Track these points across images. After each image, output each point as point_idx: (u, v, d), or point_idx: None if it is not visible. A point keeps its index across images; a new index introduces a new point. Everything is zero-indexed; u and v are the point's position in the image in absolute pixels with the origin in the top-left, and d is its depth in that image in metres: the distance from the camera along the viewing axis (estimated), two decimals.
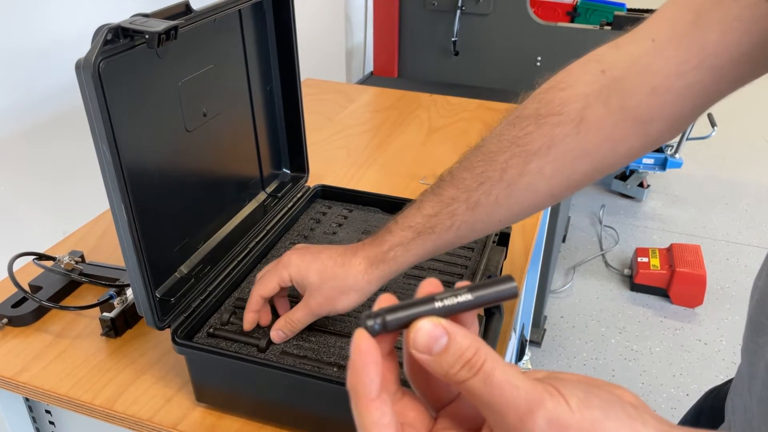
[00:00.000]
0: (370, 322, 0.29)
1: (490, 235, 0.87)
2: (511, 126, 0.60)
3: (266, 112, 0.93)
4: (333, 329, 0.73)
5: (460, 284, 0.31)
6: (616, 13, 2.20)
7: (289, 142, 0.98)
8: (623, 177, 3.07)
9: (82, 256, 0.94)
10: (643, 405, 0.29)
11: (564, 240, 2.74)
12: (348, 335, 0.73)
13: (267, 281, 0.69)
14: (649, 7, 2.21)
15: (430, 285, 0.32)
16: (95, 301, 0.85)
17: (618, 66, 0.56)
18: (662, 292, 2.42)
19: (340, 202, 0.99)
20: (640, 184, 3.04)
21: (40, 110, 1.15)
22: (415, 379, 0.33)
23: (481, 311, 0.74)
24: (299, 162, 0.99)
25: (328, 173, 1.25)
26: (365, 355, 0.29)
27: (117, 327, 0.83)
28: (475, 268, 0.83)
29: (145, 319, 0.69)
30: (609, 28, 2.16)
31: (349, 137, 1.44)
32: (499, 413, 0.28)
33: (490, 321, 0.73)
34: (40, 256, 0.92)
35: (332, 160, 1.32)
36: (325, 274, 0.66)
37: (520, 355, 1.66)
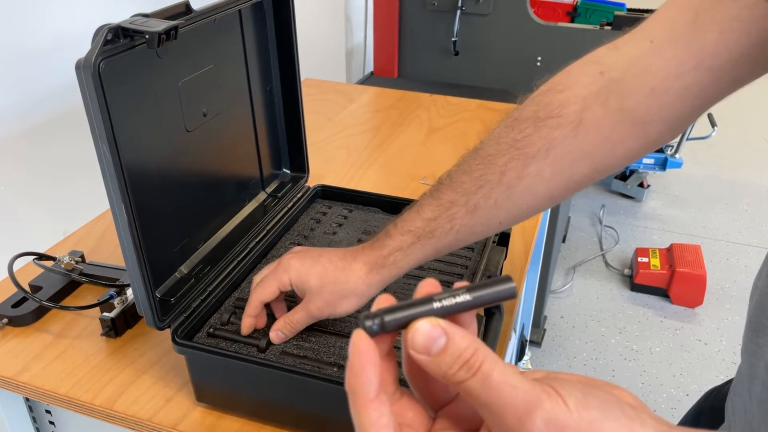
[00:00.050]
0: (368, 323, 0.29)
1: (490, 236, 0.87)
2: (510, 129, 0.60)
3: (266, 112, 0.93)
4: (333, 329, 0.73)
5: (458, 284, 0.31)
6: (616, 13, 2.20)
7: (289, 142, 0.98)
8: (623, 177, 3.07)
9: (82, 256, 0.94)
10: (641, 405, 0.29)
11: (564, 240, 2.74)
12: (348, 335, 0.73)
13: (267, 286, 0.69)
14: (649, 7, 2.20)
15: (428, 285, 0.32)
16: (95, 301, 0.85)
17: (616, 67, 0.56)
18: (662, 292, 2.42)
19: (340, 202, 0.99)
20: (640, 184, 3.04)
21: (40, 110, 1.15)
22: (413, 380, 0.33)
23: (481, 311, 0.74)
24: (299, 162, 0.99)
25: (328, 173, 1.25)
26: (363, 355, 0.29)
27: (117, 327, 0.83)
28: (475, 269, 0.83)
29: (145, 319, 0.69)
30: (609, 28, 2.16)
31: (349, 137, 1.44)
32: (497, 414, 0.28)
33: (490, 321, 0.73)
34: (40, 256, 0.92)
35: (332, 160, 1.32)
36: (325, 278, 0.66)
37: (520, 355, 1.66)
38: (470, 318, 0.32)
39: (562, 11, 2.67)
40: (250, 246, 0.85)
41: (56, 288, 0.89)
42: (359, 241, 0.89)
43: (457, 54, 2.30)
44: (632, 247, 2.67)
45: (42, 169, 1.18)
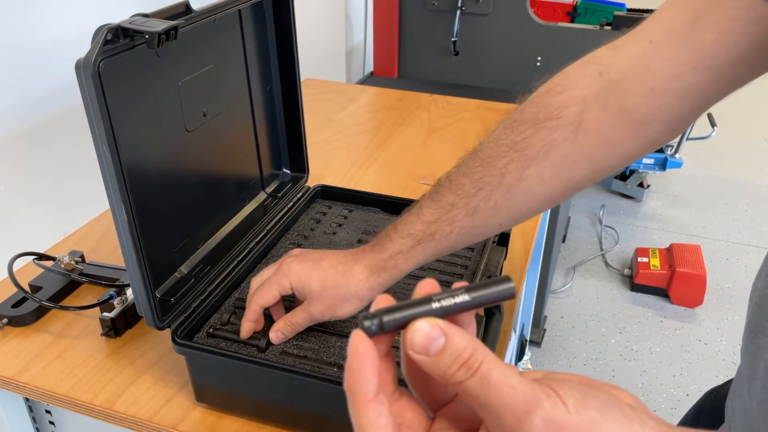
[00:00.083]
0: (367, 323, 0.29)
1: (489, 237, 0.87)
2: (509, 130, 0.60)
3: (266, 112, 0.93)
4: (333, 329, 0.73)
5: (457, 285, 0.31)
6: (616, 13, 2.20)
7: (289, 142, 0.98)
8: (623, 177, 3.07)
9: (82, 256, 0.94)
10: (640, 406, 0.29)
11: (564, 240, 2.74)
12: (348, 335, 0.73)
13: (267, 291, 0.68)
14: (649, 7, 2.20)
15: (427, 285, 0.32)
16: (95, 301, 0.85)
17: (616, 68, 0.56)
18: (662, 292, 2.42)
19: (340, 202, 0.99)
20: (640, 184, 3.04)
21: (40, 110, 1.15)
22: (412, 380, 0.33)
23: (481, 311, 0.74)
24: (299, 162, 0.99)
25: (328, 173, 1.25)
26: (362, 355, 0.29)
27: (117, 327, 0.83)
28: (475, 269, 0.83)
29: (145, 319, 0.69)
30: (609, 28, 2.16)
31: (349, 137, 1.44)
32: (496, 414, 0.28)
33: (490, 321, 0.73)
34: (40, 256, 0.92)
35: (332, 160, 1.32)
36: (326, 282, 0.66)
37: (520, 355, 1.66)
38: (469, 318, 0.32)
39: (562, 11, 2.67)
40: (250, 246, 0.85)
41: (56, 288, 0.89)
42: (359, 241, 0.89)
43: (457, 54, 2.30)
44: (632, 247, 2.67)
45: (42, 169, 1.18)
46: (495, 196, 0.60)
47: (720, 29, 0.50)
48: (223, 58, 0.81)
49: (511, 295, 0.30)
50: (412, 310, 0.30)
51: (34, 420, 0.86)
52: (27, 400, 0.84)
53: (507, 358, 1.11)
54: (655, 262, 2.44)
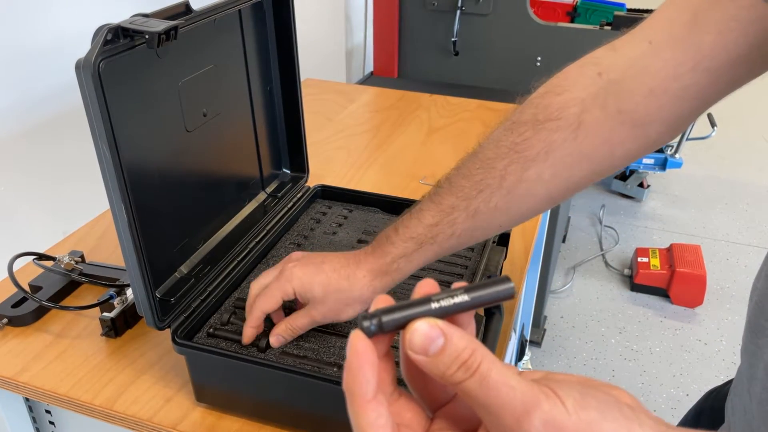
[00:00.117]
0: (366, 323, 0.29)
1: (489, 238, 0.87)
2: (509, 132, 0.60)
3: (266, 112, 0.93)
4: (333, 329, 0.73)
5: (456, 285, 0.31)
6: (616, 13, 2.20)
7: (289, 142, 0.98)
8: (623, 177, 3.07)
9: (82, 256, 0.94)
10: (639, 406, 0.29)
11: (564, 240, 2.74)
12: (348, 335, 0.73)
13: (270, 296, 0.68)
14: (649, 7, 2.20)
15: (426, 285, 0.32)
16: (95, 301, 0.85)
17: (615, 68, 0.56)
18: (662, 292, 2.42)
19: (340, 202, 0.99)
20: (640, 184, 3.04)
21: (40, 110, 1.15)
22: (411, 380, 0.33)
23: (482, 311, 0.74)
24: (299, 162, 0.99)
25: (328, 173, 1.25)
26: (361, 356, 0.29)
27: (117, 327, 0.83)
28: (475, 269, 0.83)
29: (145, 319, 0.69)
30: (609, 28, 2.16)
31: (349, 137, 1.44)
32: (495, 414, 0.28)
33: (490, 321, 0.73)
34: (40, 256, 0.92)
35: (332, 160, 1.32)
36: (329, 287, 0.66)
37: (520, 355, 1.66)
38: (468, 318, 0.32)
39: (562, 11, 2.67)
40: (250, 246, 0.85)
41: (56, 288, 0.89)
42: (359, 241, 0.89)
43: (457, 54, 2.30)
44: (632, 247, 2.67)
45: (42, 169, 1.18)
46: (495, 198, 0.60)
47: (719, 30, 0.50)
48: (223, 58, 0.81)
49: (510, 296, 0.30)
50: (411, 310, 0.30)
51: (34, 420, 0.86)
52: (27, 400, 0.84)
53: (507, 358, 1.11)
54: (655, 262, 2.44)
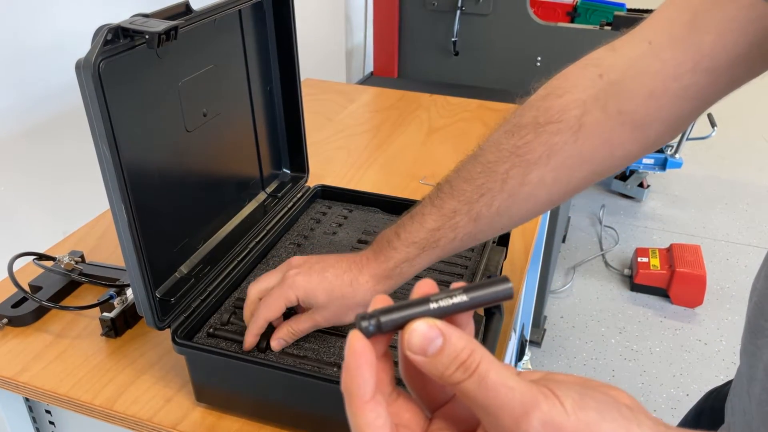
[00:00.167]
0: (364, 324, 0.29)
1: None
2: (510, 135, 0.60)
3: (266, 112, 0.93)
4: (333, 329, 0.73)
5: (455, 285, 0.31)
6: (616, 13, 2.20)
7: (289, 142, 0.98)
8: (623, 177, 3.07)
9: (82, 256, 0.94)
10: (638, 406, 0.30)
11: (564, 240, 2.74)
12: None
13: (273, 304, 0.67)
14: (649, 7, 2.20)
15: (425, 285, 0.32)
16: (95, 301, 0.85)
17: (615, 69, 0.56)
18: (662, 292, 2.42)
19: (340, 202, 0.99)
20: (640, 184, 3.04)
21: (40, 110, 1.15)
22: (410, 380, 0.33)
23: (481, 311, 0.74)
24: (299, 162, 0.99)
25: (328, 173, 1.25)
26: (359, 356, 0.29)
27: (117, 327, 0.83)
28: (475, 269, 0.83)
29: (145, 319, 0.69)
30: (609, 28, 2.16)
31: (349, 137, 1.44)
32: (493, 415, 0.28)
33: (490, 321, 0.73)
34: (40, 256, 0.92)
35: (332, 160, 1.32)
36: (333, 293, 0.66)
37: (520, 355, 1.66)
38: (467, 318, 0.32)
39: (562, 11, 2.67)
40: (250, 246, 0.85)
41: (56, 288, 0.89)
42: (359, 241, 0.89)
43: (457, 54, 2.30)
44: (632, 247, 2.67)
45: (42, 169, 1.18)
46: (497, 201, 0.60)
47: (719, 30, 0.50)
48: (223, 58, 0.81)
49: (509, 296, 0.30)
50: (409, 310, 0.30)
51: (34, 420, 0.86)
52: (27, 400, 0.84)
53: (507, 359, 1.11)
54: (655, 262, 2.44)
